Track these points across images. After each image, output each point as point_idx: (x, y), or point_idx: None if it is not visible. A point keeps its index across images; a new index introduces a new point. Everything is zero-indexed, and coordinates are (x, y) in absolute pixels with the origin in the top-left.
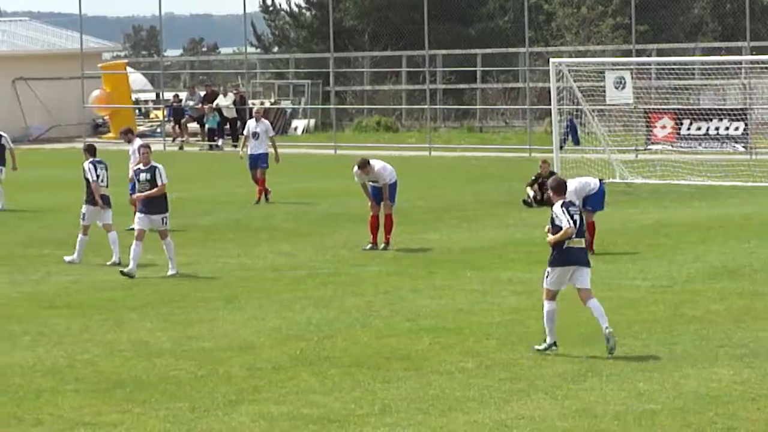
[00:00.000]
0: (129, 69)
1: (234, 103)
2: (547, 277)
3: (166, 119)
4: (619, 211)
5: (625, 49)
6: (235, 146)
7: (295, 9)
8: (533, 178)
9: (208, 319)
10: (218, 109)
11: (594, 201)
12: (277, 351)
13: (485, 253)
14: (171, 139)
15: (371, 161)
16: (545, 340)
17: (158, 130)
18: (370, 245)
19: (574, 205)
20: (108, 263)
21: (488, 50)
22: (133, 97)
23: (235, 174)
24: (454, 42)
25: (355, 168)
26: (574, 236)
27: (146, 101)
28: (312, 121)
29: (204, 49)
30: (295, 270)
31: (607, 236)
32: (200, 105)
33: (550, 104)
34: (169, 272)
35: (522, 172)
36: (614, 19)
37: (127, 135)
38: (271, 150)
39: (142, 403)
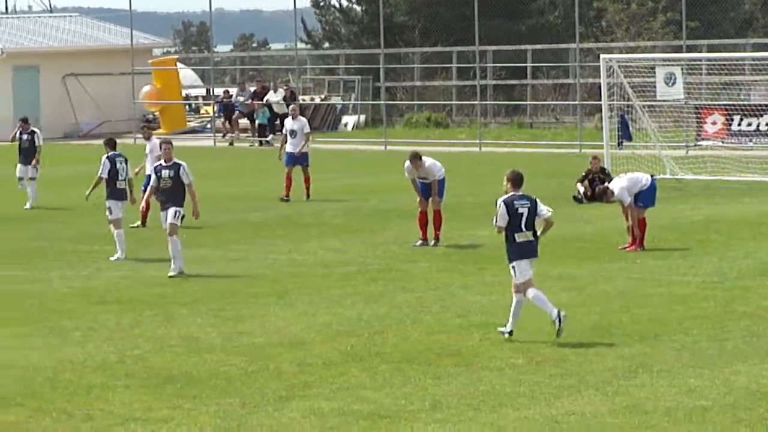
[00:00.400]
0: (179, 65)
1: (284, 98)
2: (514, 272)
3: (216, 115)
4: (669, 207)
5: (675, 45)
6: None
7: (346, 4)
8: (583, 174)
9: (259, 314)
10: (268, 105)
11: (645, 197)
12: (328, 347)
13: None
14: (221, 134)
15: (423, 157)
16: (557, 323)
17: (208, 125)
18: (420, 241)
19: (523, 198)
20: (112, 258)
21: (538, 46)
22: (184, 92)
23: (281, 169)
24: (504, 38)
25: (407, 162)
26: (523, 230)
27: (196, 97)
28: (362, 117)
29: (254, 45)
30: (346, 266)
31: (658, 232)
32: (250, 101)
33: (600, 100)
34: (170, 273)
35: (572, 168)
36: (665, 15)
37: (146, 131)
38: (311, 147)
39: (193, 398)
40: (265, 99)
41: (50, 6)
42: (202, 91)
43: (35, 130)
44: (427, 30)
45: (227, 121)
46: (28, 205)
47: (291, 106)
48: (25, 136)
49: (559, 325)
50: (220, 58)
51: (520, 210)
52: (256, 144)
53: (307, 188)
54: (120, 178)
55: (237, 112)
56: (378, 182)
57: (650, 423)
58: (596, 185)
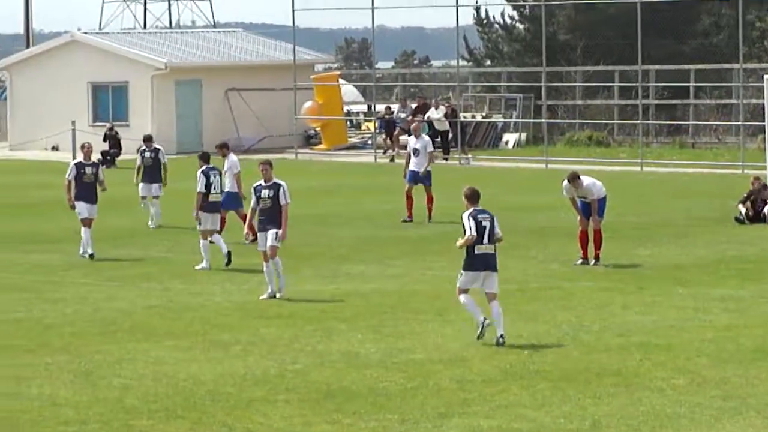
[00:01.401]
0: (341, 81)
1: (445, 116)
2: (459, 277)
3: (377, 131)
4: None
5: None
6: (446, 159)
7: (509, 22)
8: (745, 195)
9: (418, 331)
10: (429, 122)
11: None
12: (487, 364)
13: (696, 270)
14: (382, 151)
15: (581, 176)
16: (479, 327)
17: (369, 142)
18: (581, 260)
19: (484, 212)
20: (197, 267)
21: (702, 66)
22: (345, 108)
23: (444, 186)
24: (667, 58)
25: (565, 182)
26: (485, 242)
27: (358, 113)
28: (523, 135)
29: (415, 62)
30: (505, 284)
31: None
32: (411, 117)
33: (763, 121)
34: (278, 294)
35: (734, 189)
36: None
37: (222, 149)
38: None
39: (352, 414)
40: (426, 116)
41: (213, 21)
42: (364, 107)
43: (159, 147)
44: (590, 48)
45: (388, 138)
46: (152, 225)
47: (413, 125)
48: (148, 154)
49: (481, 330)
50: (382, 74)
51: (484, 223)
52: None
53: (430, 209)
54: (213, 191)
55: (398, 128)
56: (538, 200)
57: None
58: (759, 206)
